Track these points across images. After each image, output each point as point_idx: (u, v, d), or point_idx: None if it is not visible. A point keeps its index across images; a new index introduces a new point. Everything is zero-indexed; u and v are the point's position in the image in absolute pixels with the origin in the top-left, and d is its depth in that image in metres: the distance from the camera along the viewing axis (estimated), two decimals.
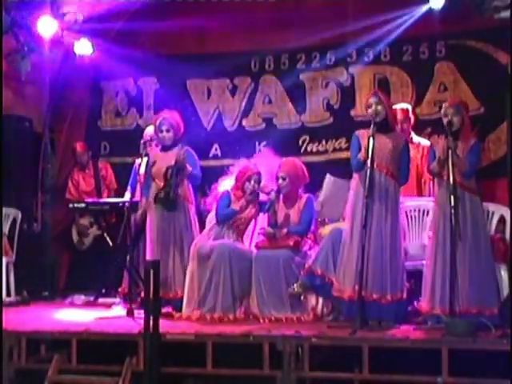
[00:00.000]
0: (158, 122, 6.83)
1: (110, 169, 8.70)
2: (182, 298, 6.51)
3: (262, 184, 6.63)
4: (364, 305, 5.71)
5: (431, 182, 6.76)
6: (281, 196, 6.56)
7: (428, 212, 6.40)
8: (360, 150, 5.93)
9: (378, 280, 5.81)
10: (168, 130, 6.73)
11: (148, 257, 6.64)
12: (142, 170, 6.94)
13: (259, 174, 6.65)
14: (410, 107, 7.30)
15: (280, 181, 6.53)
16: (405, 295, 5.89)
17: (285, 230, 6.45)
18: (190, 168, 6.67)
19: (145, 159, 6.91)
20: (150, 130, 7.59)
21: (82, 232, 8.53)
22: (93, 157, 8.74)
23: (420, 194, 7.03)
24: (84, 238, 8.54)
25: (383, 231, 5.86)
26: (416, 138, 7.11)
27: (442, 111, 5.89)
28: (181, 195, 6.68)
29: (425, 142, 7.04)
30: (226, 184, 6.89)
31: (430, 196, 6.78)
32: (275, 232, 6.45)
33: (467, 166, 5.74)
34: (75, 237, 8.59)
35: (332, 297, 6.04)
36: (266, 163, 6.81)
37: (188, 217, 6.76)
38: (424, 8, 7.44)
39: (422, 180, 7.05)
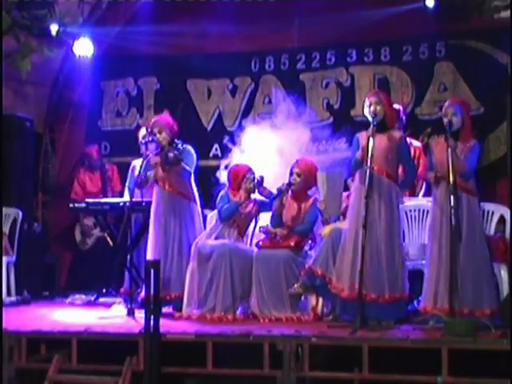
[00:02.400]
0: (150, 128, 6.86)
1: (115, 171, 8.70)
2: (182, 297, 6.51)
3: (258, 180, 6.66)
4: (363, 304, 5.71)
5: (424, 182, 6.77)
6: (290, 192, 6.55)
7: (428, 212, 6.39)
8: (359, 150, 5.93)
9: (376, 280, 5.79)
10: (160, 132, 6.75)
11: (149, 255, 6.64)
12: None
13: (250, 169, 6.66)
14: (401, 107, 7.30)
15: (294, 176, 6.52)
16: (405, 294, 5.89)
17: (285, 231, 6.45)
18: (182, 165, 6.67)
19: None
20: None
21: (86, 232, 8.53)
22: None
23: (413, 193, 7.01)
24: (87, 239, 8.54)
25: (379, 230, 5.84)
26: (407, 139, 7.10)
27: (442, 111, 5.88)
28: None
29: (416, 143, 7.02)
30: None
31: (424, 196, 6.79)
32: (276, 231, 6.46)
33: (465, 167, 5.72)
34: (78, 237, 8.59)
35: (331, 294, 6.04)
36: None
37: (192, 216, 6.75)
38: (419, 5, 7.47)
39: (415, 180, 7.04)
